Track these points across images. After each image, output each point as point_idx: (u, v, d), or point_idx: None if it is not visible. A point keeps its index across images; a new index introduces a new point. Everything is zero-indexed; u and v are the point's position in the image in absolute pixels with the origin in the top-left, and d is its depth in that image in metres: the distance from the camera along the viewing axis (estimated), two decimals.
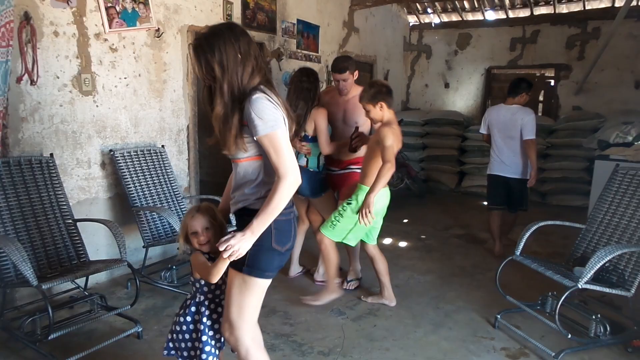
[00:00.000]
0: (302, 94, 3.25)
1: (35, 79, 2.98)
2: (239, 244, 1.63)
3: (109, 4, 3.36)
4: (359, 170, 3.25)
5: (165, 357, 2.04)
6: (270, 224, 1.69)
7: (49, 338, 2.42)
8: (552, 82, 7.17)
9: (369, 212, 2.76)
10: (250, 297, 1.77)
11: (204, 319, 1.89)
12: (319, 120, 3.24)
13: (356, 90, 3.29)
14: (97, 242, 3.44)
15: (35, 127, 3.06)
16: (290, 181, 1.66)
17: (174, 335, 1.95)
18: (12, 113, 2.92)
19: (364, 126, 3.33)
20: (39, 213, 2.89)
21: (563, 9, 6.80)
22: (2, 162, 2.81)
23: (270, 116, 1.65)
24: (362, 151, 3.23)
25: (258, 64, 1.75)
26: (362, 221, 2.80)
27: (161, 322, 2.96)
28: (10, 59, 2.60)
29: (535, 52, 7.09)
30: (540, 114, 7.23)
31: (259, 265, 1.74)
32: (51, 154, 3.08)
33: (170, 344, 1.97)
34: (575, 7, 6.69)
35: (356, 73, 3.38)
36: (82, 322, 2.73)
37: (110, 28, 3.38)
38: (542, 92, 7.47)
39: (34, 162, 2.96)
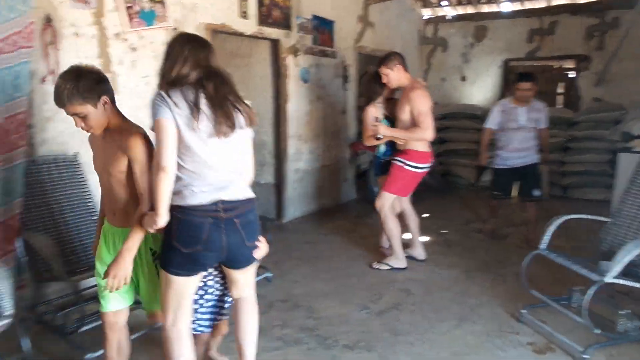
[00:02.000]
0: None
1: None
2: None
3: (128, 4, 3.39)
4: (399, 163, 3.65)
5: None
6: (173, 221, 1.77)
7: (80, 330, 2.47)
8: (572, 74, 7.05)
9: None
10: (162, 285, 1.91)
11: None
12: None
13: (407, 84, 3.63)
14: None
15: (60, 126, 3.10)
16: (156, 172, 1.74)
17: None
18: (38, 113, 2.97)
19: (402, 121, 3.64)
20: (66, 210, 2.94)
21: None
22: (29, 161, 2.86)
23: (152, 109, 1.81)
24: (410, 145, 3.60)
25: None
26: None
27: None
28: (31, 60, 2.64)
29: (553, 43, 6.98)
30: (560, 106, 7.13)
31: (162, 258, 1.89)
32: (76, 153, 3.13)
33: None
34: None
35: (396, 67, 3.57)
36: None
37: (130, 28, 3.41)
38: (562, 83, 7.35)
39: (60, 160, 3.01)
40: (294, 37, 5.01)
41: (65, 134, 3.14)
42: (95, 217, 3.03)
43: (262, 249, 2.00)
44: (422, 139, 3.53)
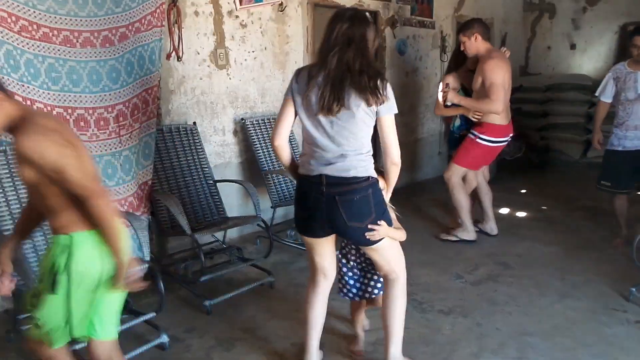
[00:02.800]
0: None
1: (181, 56, 3.35)
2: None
3: None
4: (472, 136, 3.57)
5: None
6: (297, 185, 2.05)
7: (201, 280, 2.81)
8: None
9: None
10: None
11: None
12: None
13: (484, 53, 3.47)
14: (230, 202, 3.80)
15: (181, 98, 3.45)
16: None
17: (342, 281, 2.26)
18: (163, 86, 3.32)
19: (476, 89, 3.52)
20: (187, 174, 3.29)
21: None
22: (158, 129, 3.23)
23: None
24: (486, 118, 3.49)
25: None
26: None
27: (289, 274, 3.26)
28: (163, 37, 2.95)
29: None
30: None
31: None
32: (194, 123, 3.46)
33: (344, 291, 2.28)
34: None
35: (474, 36, 3.43)
36: (224, 269, 3.09)
37: (241, 5, 3.64)
38: None
39: (182, 129, 3.36)
40: (392, 7, 5.00)
41: (186, 106, 3.48)
42: (210, 182, 3.37)
43: (379, 232, 1.89)
44: (489, 110, 3.38)
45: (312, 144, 1.88)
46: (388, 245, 1.99)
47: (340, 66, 1.80)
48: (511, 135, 3.65)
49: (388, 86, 1.86)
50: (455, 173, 3.68)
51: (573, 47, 7.22)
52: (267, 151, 3.78)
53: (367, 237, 1.89)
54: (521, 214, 4.49)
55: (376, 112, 1.84)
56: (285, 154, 1.99)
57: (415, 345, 2.39)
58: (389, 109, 1.86)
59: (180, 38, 3.32)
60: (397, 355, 2.12)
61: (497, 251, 3.61)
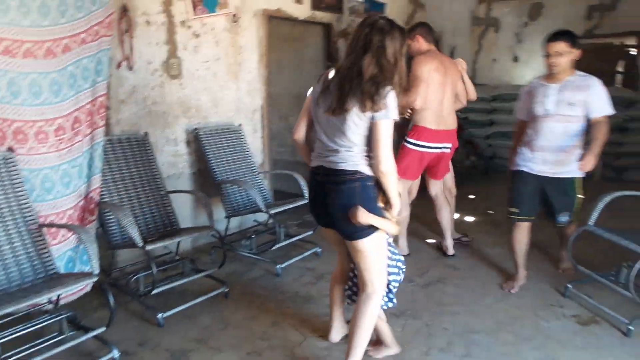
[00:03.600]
0: None
1: (132, 65, 3.32)
2: None
3: None
4: (403, 141, 3.48)
5: None
6: None
7: (153, 293, 2.78)
8: (633, 51, 6.75)
9: None
10: None
11: None
12: None
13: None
14: (183, 213, 3.77)
15: (132, 108, 3.41)
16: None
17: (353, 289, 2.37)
18: (114, 96, 3.28)
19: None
20: (138, 185, 3.25)
21: None
22: (107, 139, 3.18)
23: None
24: (416, 121, 3.46)
25: None
26: None
27: (243, 284, 3.27)
28: (111, 47, 2.91)
29: (614, 19, 6.69)
30: (619, 86, 6.85)
31: None
32: (146, 133, 3.43)
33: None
34: None
35: (416, 38, 3.48)
36: (177, 280, 3.06)
37: (194, 15, 3.66)
38: (622, 62, 7.04)
39: (132, 140, 3.32)
40: (345, 20, 5.13)
41: (137, 116, 3.45)
42: (162, 193, 3.34)
43: (360, 215, 1.93)
44: (406, 103, 3.29)
45: (317, 139, 2.09)
46: (373, 252, 2.06)
47: (351, 70, 1.91)
48: (447, 144, 3.52)
49: (391, 94, 1.88)
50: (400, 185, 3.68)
51: (516, 59, 7.61)
52: (220, 161, 3.78)
53: (350, 218, 1.94)
54: (470, 219, 4.68)
55: (371, 117, 1.90)
56: (301, 149, 2.23)
57: (368, 347, 2.46)
58: (385, 115, 1.88)
59: (131, 47, 3.30)
60: None
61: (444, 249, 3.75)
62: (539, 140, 2.93)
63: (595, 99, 2.77)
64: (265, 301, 3.01)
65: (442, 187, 3.78)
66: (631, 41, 6.81)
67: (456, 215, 4.14)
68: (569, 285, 2.97)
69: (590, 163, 2.83)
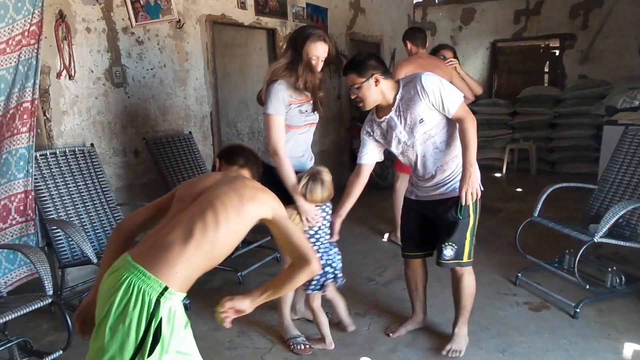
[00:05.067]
0: None
1: (72, 74, 3.16)
2: None
3: None
4: None
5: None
6: None
7: None
8: (557, 52, 7.27)
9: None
10: None
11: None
12: None
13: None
14: None
15: (75, 119, 3.24)
16: None
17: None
18: (54, 107, 3.10)
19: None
20: (86, 199, 3.10)
21: None
22: (49, 153, 3.00)
23: None
24: None
25: None
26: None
27: (205, 294, 3.19)
28: (32, 57, 2.71)
29: (539, 23, 7.18)
30: (546, 85, 7.36)
31: None
32: (92, 144, 3.27)
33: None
34: None
35: (407, 43, 3.88)
36: None
37: (136, 22, 3.53)
38: (548, 62, 7.58)
39: (78, 152, 3.16)
40: (289, 25, 5.15)
41: (81, 127, 3.28)
42: (112, 206, 3.20)
43: None
44: None
45: None
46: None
47: None
48: None
49: (270, 89, 2.31)
50: (397, 179, 3.90)
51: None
52: (172, 170, 3.67)
53: None
54: None
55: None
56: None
57: (337, 348, 2.49)
58: (265, 108, 2.34)
59: (71, 56, 3.13)
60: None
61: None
62: (414, 173, 2.42)
63: (435, 97, 2.14)
64: None
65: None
66: (555, 43, 7.34)
67: None
68: (519, 274, 3.15)
69: (468, 188, 2.11)
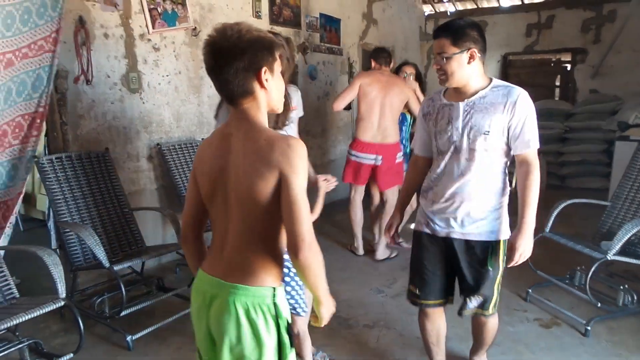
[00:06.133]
0: None
1: (90, 79, 3.20)
2: None
3: (152, 6, 3.56)
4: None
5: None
6: None
7: (121, 314, 2.67)
8: (569, 67, 7.26)
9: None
10: None
11: None
12: None
13: None
14: (147, 231, 3.65)
15: (92, 123, 3.28)
16: None
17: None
18: (71, 111, 3.15)
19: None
20: (100, 203, 3.12)
21: None
22: (65, 156, 3.04)
23: None
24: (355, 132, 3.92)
25: None
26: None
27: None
28: (52, 64, 2.72)
29: (551, 37, 7.18)
30: (557, 99, 7.35)
31: None
32: (106, 149, 3.31)
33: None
34: None
35: (371, 60, 4.03)
36: (145, 301, 2.96)
37: (153, 29, 3.58)
38: (559, 76, 7.56)
39: (93, 156, 3.19)
40: (303, 35, 5.19)
41: (97, 131, 3.32)
42: (126, 210, 3.22)
43: None
44: (333, 107, 3.86)
45: None
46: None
47: None
48: (379, 156, 3.79)
49: None
50: (352, 190, 4.05)
51: None
52: (184, 176, 3.70)
53: None
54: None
55: None
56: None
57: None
58: None
59: (89, 61, 3.18)
60: None
61: None
62: (442, 187, 1.96)
63: (520, 120, 1.81)
64: None
65: (391, 197, 3.91)
66: (567, 57, 7.33)
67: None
68: (529, 290, 3.13)
69: (525, 250, 1.90)
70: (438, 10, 7.97)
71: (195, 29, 3.92)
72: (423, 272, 2.07)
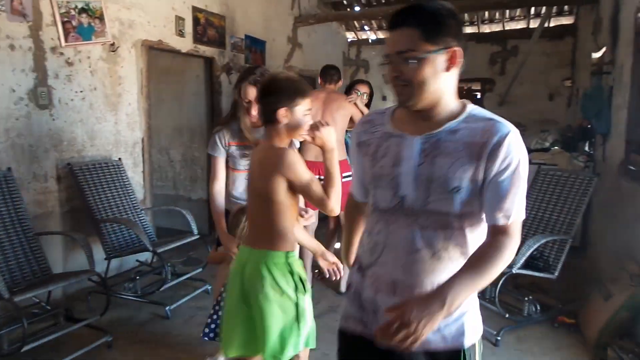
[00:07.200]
0: None
1: None
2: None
3: (65, 19, 3.39)
4: None
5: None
6: None
7: (22, 350, 2.43)
8: (479, 95, 7.85)
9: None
10: None
11: None
12: None
13: None
14: (54, 257, 3.40)
15: None
16: None
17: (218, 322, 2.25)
18: None
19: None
20: None
21: (486, 29, 7.50)
22: None
23: None
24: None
25: None
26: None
27: (130, 330, 3.02)
28: None
29: (463, 66, 7.73)
30: None
31: None
32: (9, 168, 3.05)
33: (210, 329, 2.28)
34: (496, 27, 7.41)
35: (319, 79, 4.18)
36: (51, 334, 2.72)
37: (66, 42, 3.40)
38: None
39: None
40: (227, 55, 5.18)
41: None
42: (29, 235, 2.98)
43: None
44: None
45: None
46: None
47: None
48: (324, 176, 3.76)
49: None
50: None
51: (384, 98, 8.33)
52: (99, 198, 3.50)
53: None
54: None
55: None
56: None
57: None
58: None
59: None
60: None
61: (335, 284, 3.88)
62: (385, 256, 1.25)
63: (508, 170, 1.17)
64: (157, 346, 2.82)
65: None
66: (476, 86, 7.93)
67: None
68: (498, 337, 3.14)
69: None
70: (360, 38, 8.31)
71: (113, 44, 3.78)
72: None
